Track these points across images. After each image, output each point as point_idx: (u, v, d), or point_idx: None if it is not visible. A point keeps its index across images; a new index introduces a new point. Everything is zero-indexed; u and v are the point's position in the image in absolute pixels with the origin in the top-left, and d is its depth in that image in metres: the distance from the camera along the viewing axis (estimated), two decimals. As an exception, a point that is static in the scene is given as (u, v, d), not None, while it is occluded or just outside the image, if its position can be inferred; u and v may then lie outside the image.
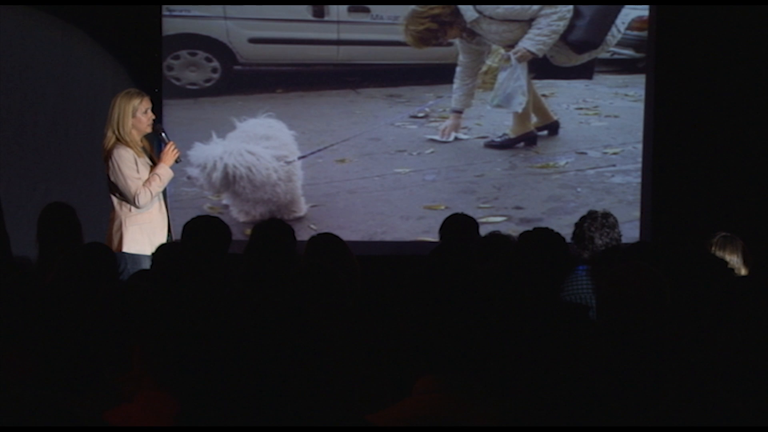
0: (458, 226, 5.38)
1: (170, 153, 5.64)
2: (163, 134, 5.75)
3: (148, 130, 5.65)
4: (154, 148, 5.81)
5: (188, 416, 2.41)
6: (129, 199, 5.52)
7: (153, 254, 4.68)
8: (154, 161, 5.66)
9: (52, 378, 2.74)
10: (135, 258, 5.45)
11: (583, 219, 4.87)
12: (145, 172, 5.56)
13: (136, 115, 5.55)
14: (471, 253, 4.65)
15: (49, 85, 7.12)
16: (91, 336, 2.58)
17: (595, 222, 4.79)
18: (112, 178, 5.54)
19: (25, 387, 2.57)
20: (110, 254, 4.24)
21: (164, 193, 5.75)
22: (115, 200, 5.59)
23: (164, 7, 7.24)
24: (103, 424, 2.26)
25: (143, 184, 5.51)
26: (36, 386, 2.63)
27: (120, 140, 5.52)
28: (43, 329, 2.91)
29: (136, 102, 5.56)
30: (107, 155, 5.55)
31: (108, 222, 5.69)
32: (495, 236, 5.12)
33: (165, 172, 5.60)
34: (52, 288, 3.70)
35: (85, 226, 5.44)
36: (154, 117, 5.66)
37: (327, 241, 4.66)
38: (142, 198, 5.50)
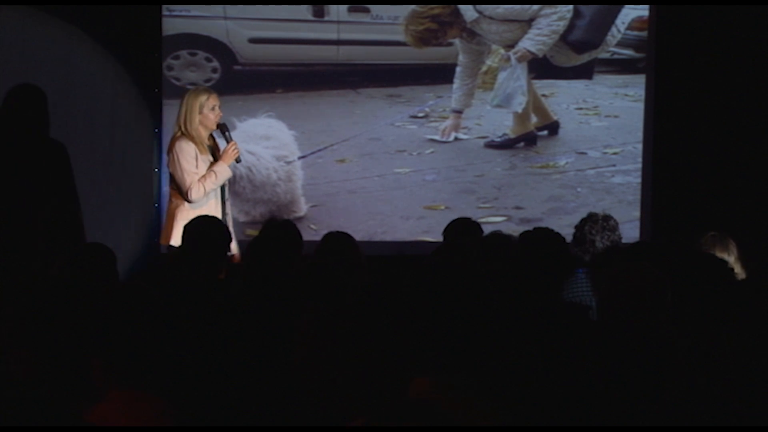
0: (462, 229, 5.37)
1: (230, 152, 5.66)
2: (227, 133, 5.75)
3: (213, 127, 5.67)
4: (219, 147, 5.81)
5: (188, 416, 2.41)
6: (183, 192, 5.55)
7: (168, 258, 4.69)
8: (218, 159, 5.68)
9: (52, 378, 2.74)
10: None
11: (583, 222, 4.86)
12: (204, 168, 5.59)
13: (203, 111, 5.59)
14: (472, 253, 4.65)
15: (49, 85, 7.11)
16: (91, 336, 2.58)
17: (595, 225, 4.78)
18: (171, 170, 5.59)
19: (24, 387, 2.57)
20: (110, 254, 4.24)
21: (223, 193, 5.74)
22: (172, 193, 5.64)
23: (164, 7, 7.24)
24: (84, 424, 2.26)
25: (198, 180, 5.54)
26: (35, 387, 2.62)
27: (185, 135, 5.56)
28: (42, 329, 2.91)
29: (203, 98, 5.61)
30: (170, 147, 5.59)
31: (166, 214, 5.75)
32: (497, 236, 5.12)
33: (222, 170, 5.62)
34: (52, 288, 3.70)
35: (85, 226, 5.44)
36: (221, 114, 5.67)
37: (340, 240, 4.69)
38: (195, 192, 5.52)
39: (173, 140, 5.61)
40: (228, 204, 5.78)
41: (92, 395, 2.43)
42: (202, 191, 5.54)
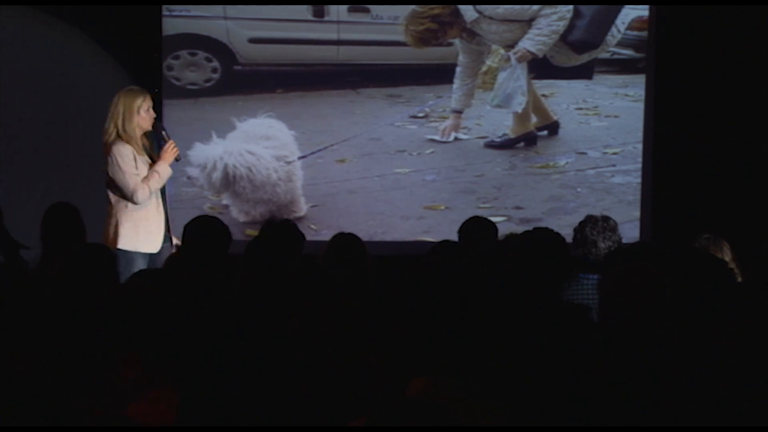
0: (476, 228, 5.36)
1: (170, 151, 5.66)
2: (163, 132, 5.76)
3: (149, 128, 5.66)
4: (153, 146, 5.81)
5: (188, 416, 2.41)
6: (127, 195, 5.53)
7: (168, 258, 4.68)
8: (153, 159, 5.68)
9: (52, 378, 2.74)
10: (128, 255, 5.45)
11: (583, 224, 4.86)
12: (144, 169, 5.58)
13: (140, 112, 5.58)
14: (459, 247, 4.67)
15: (49, 85, 7.12)
16: (92, 336, 2.58)
17: (596, 226, 4.78)
18: (111, 174, 5.55)
19: (25, 388, 2.57)
20: (110, 254, 4.24)
21: (162, 192, 5.75)
22: (112, 196, 5.60)
23: (164, 7, 7.25)
24: (126, 423, 2.26)
25: (142, 181, 5.53)
26: (36, 387, 2.63)
27: (120, 136, 5.54)
28: (43, 329, 2.91)
29: (140, 100, 5.59)
30: (107, 151, 5.57)
31: (105, 218, 5.70)
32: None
33: (164, 169, 5.62)
34: (53, 288, 3.70)
35: (86, 226, 5.44)
36: (155, 115, 5.68)
37: (348, 241, 4.69)
38: (140, 194, 5.52)
39: (109, 144, 5.56)
40: (166, 203, 5.79)
41: (106, 393, 2.44)
42: (147, 192, 5.54)
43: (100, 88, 7.11)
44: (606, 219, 4.83)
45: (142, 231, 5.55)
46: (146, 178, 5.55)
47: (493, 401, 2.47)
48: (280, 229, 5.00)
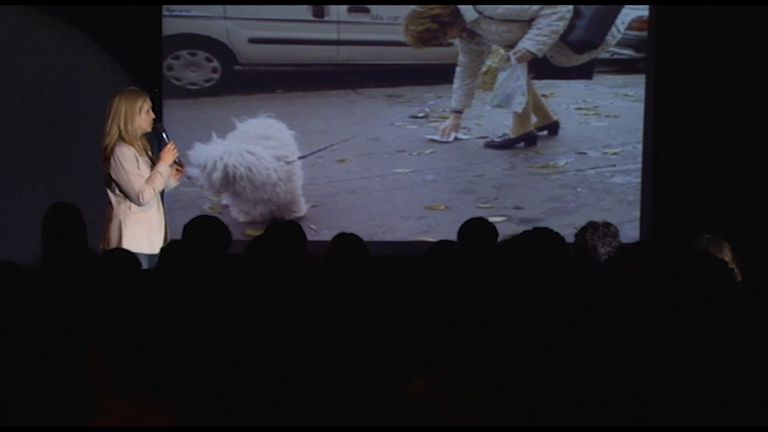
0: (478, 230, 5.35)
1: (170, 151, 5.67)
2: (163, 133, 5.77)
3: (149, 129, 5.67)
4: (154, 147, 5.83)
5: (188, 416, 2.41)
6: (132, 197, 5.53)
7: (159, 255, 4.68)
8: (153, 160, 5.68)
9: (52, 378, 2.74)
10: None
11: (583, 230, 4.85)
12: (146, 169, 5.59)
13: (141, 113, 5.58)
14: (465, 251, 4.66)
15: (49, 85, 7.12)
16: (91, 336, 2.58)
17: (596, 231, 4.78)
18: (114, 176, 5.55)
19: (23, 388, 2.57)
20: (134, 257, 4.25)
21: (161, 193, 5.77)
22: (113, 198, 5.60)
23: (164, 7, 7.24)
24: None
25: (146, 182, 5.54)
26: (35, 387, 2.62)
27: (123, 138, 5.54)
28: (42, 329, 2.91)
29: (141, 101, 5.60)
30: (109, 153, 5.56)
31: (104, 220, 5.69)
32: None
33: (165, 170, 5.64)
34: (52, 289, 3.70)
35: (86, 226, 5.43)
36: (154, 116, 5.69)
37: (350, 241, 4.70)
38: (147, 195, 5.53)
39: (110, 146, 5.54)
40: (164, 204, 5.80)
41: (90, 398, 2.43)
42: (152, 193, 5.56)
43: (100, 88, 7.11)
44: (607, 225, 4.82)
45: (146, 232, 5.56)
46: (150, 179, 5.56)
47: (493, 401, 2.47)
48: (285, 230, 4.99)
